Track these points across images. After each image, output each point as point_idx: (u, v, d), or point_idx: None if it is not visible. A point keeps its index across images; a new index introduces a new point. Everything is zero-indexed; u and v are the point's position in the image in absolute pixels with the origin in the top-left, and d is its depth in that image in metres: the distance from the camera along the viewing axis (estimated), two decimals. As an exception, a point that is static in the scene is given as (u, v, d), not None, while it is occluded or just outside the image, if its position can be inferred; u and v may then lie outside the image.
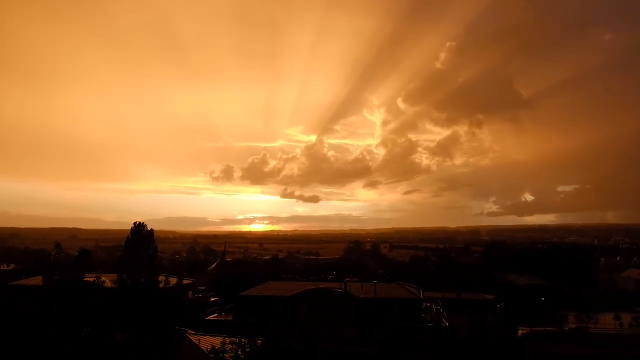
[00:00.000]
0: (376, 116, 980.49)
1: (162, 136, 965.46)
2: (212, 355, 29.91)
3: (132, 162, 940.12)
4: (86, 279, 34.88)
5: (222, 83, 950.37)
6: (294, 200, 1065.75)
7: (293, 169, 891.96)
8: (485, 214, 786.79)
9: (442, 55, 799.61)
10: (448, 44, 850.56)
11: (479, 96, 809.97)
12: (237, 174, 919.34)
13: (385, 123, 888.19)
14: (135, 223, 48.80)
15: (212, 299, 73.37)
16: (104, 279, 33.42)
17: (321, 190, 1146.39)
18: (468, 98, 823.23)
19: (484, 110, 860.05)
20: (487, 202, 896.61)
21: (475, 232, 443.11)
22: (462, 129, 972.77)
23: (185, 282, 61.20)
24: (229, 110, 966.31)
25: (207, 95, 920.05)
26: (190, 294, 70.32)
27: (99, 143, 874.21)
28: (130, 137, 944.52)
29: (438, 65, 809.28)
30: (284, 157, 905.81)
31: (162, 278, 34.40)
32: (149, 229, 47.84)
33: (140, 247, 44.21)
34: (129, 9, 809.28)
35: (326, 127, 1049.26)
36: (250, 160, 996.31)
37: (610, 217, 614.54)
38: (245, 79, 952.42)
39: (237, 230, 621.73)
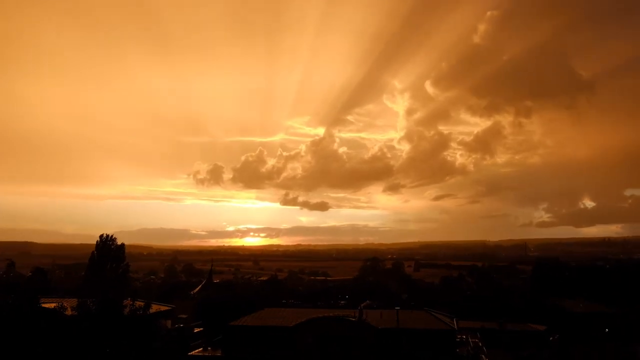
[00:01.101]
0: (399, 103, 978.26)
1: (134, 129, 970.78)
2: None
3: (97, 160, 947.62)
4: (42, 305, 35.07)
5: (208, 63, 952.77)
6: (297, 207, 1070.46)
7: (296, 169, 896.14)
8: (534, 224, 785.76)
9: (481, 27, 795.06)
10: (488, 13, 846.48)
11: (527, 78, 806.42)
12: (227, 175, 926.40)
13: (410, 112, 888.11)
14: (101, 236, 49.16)
15: (196, 330, 73.41)
16: (65, 304, 33.57)
17: (330, 195, 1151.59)
18: (513, 80, 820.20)
19: (533, 95, 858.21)
20: (536, 209, 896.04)
21: (522, 246, 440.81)
22: (506, 119, 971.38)
23: (163, 308, 61.39)
24: (216, 96, 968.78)
25: (190, 78, 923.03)
26: (168, 323, 70.46)
27: (56, 138, 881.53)
28: (95, 129, 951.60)
29: (476, 39, 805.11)
30: (285, 154, 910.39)
31: (138, 304, 34.53)
32: (118, 243, 48.12)
33: (107, 266, 44.63)
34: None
35: (337, 117, 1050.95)
36: (243, 159, 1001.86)
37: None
38: (237, 57, 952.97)
39: (226, 244, 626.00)
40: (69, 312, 33.45)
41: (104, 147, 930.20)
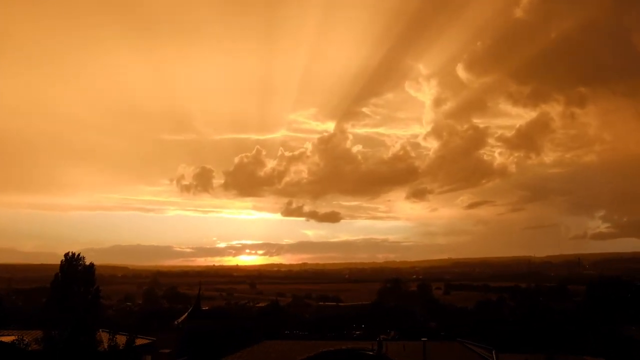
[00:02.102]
0: (424, 92, 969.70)
1: (105, 126, 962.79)
2: None
3: (62, 164, 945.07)
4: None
5: (194, 46, 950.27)
6: (302, 219, 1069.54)
7: (300, 172, 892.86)
8: (589, 235, 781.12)
9: None
10: None
11: (581, 59, 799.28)
12: (218, 180, 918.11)
13: (438, 102, 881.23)
14: (66, 255, 49.45)
15: (181, 367, 73.72)
16: (25, 338, 33.86)
17: (342, 203, 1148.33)
18: (563, 62, 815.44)
19: (588, 80, 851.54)
20: (592, 218, 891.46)
21: (574, 263, 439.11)
22: (555, 109, 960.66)
23: (141, 341, 61.58)
24: (204, 86, 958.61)
25: (173, 64, 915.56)
26: (148, 359, 70.71)
27: (11, 137, 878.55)
28: (59, 127, 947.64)
29: (518, 12, 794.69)
30: (287, 154, 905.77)
31: (105, 336, 34.77)
32: (87, 262, 48.44)
33: (74, 290, 44.82)
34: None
35: (349, 109, 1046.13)
36: (236, 160, 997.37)
37: None
38: (228, 39, 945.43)
39: (217, 264, 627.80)
40: (32, 346, 33.79)
41: (69, 148, 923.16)
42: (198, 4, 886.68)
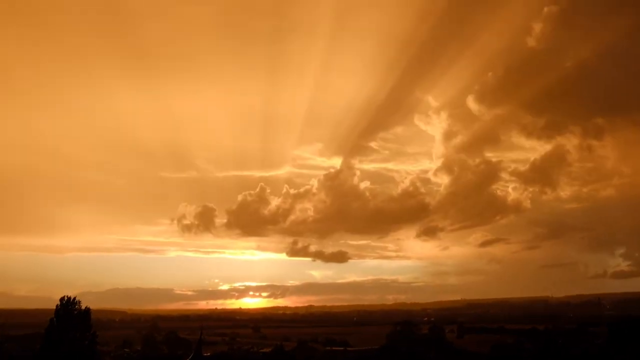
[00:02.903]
0: (434, 125, 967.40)
1: (103, 163, 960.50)
2: None
3: (58, 203, 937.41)
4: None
5: (195, 79, 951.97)
6: (308, 259, 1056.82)
7: (306, 210, 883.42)
8: (609, 274, 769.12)
9: (537, 27, 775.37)
10: (545, 8, 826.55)
11: (598, 89, 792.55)
12: (220, 219, 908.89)
13: (448, 135, 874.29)
14: (62, 299, 49.19)
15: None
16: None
17: (350, 242, 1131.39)
18: (579, 92, 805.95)
19: (606, 111, 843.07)
20: (612, 255, 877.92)
21: (594, 303, 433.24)
22: (571, 142, 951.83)
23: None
24: (206, 121, 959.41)
25: (173, 98, 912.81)
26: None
27: (4, 175, 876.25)
28: (54, 164, 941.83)
29: (530, 41, 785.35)
30: (292, 191, 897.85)
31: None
32: (83, 306, 48.09)
33: (69, 336, 44.44)
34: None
35: (357, 143, 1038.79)
36: (239, 198, 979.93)
37: None
38: (231, 72, 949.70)
39: (219, 307, 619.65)
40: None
41: (65, 187, 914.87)
42: (199, 38, 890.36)
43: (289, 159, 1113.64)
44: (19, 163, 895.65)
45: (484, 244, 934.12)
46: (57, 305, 58.87)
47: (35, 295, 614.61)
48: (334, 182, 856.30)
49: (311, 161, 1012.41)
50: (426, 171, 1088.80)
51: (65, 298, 61.28)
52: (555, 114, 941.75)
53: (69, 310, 56.17)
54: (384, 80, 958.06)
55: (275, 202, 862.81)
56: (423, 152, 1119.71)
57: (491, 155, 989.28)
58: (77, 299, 62.96)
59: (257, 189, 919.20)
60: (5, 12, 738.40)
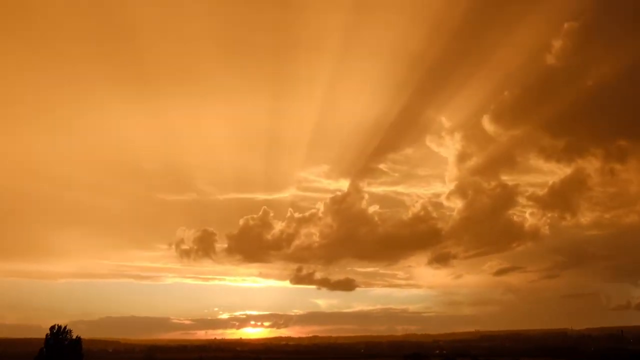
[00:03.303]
0: (447, 146, 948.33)
1: (96, 183, 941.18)
2: None
3: (48, 227, 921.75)
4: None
5: (195, 97, 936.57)
6: (313, 286, 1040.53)
7: (311, 235, 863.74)
8: (633, 305, 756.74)
9: (557, 44, 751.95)
10: (566, 25, 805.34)
11: (621, 109, 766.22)
12: (221, 244, 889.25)
13: (462, 157, 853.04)
14: (52, 328, 47.90)
15: None
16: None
17: (357, 269, 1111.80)
18: (601, 113, 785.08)
19: (629, 132, 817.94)
20: (635, 285, 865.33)
21: (617, 336, 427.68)
22: (592, 165, 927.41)
23: None
24: (206, 140, 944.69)
25: (172, 116, 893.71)
26: None
27: None
28: (45, 186, 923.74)
29: (550, 59, 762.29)
30: (297, 215, 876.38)
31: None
32: (74, 336, 46.65)
33: (59, 367, 42.93)
34: None
35: (364, 165, 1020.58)
36: (241, 222, 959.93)
37: None
38: (233, 90, 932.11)
39: (219, 337, 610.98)
40: None
41: (56, 209, 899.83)
42: (200, 53, 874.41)
43: (293, 181, 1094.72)
44: (6, 184, 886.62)
45: (500, 272, 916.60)
46: (46, 335, 57.37)
47: (24, 323, 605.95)
48: (341, 205, 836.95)
49: (317, 184, 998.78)
50: (438, 195, 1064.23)
51: (56, 327, 59.81)
52: (576, 136, 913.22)
53: (59, 339, 54.75)
54: (394, 99, 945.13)
55: (278, 226, 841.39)
56: (435, 175, 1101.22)
57: (507, 178, 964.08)
58: (68, 327, 61.49)
59: (260, 213, 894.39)
60: (4, 38, 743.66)
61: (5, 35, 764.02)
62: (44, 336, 57.49)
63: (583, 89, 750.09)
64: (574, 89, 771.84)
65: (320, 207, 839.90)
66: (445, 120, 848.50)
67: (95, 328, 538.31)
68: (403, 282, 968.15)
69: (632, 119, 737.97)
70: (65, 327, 56.92)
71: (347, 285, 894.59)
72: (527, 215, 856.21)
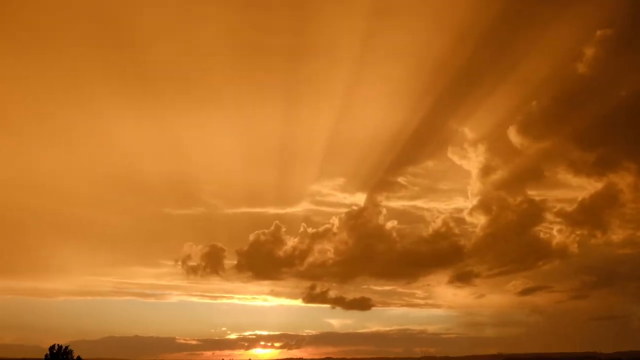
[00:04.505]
0: (470, 159, 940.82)
1: (98, 197, 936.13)
2: None
3: (48, 242, 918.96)
4: None
5: (203, 105, 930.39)
6: (327, 305, 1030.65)
7: (326, 251, 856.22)
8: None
9: (588, 52, 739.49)
10: (599, 32, 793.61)
11: None
12: (230, 260, 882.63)
13: (486, 170, 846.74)
14: (51, 348, 47.33)
15: None
16: None
17: (374, 288, 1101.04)
18: (636, 124, 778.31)
19: None
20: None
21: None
22: (624, 179, 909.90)
23: None
24: (214, 151, 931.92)
25: (178, 125, 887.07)
26: None
27: None
28: (43, 198, 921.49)
29: (581, 68, 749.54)
30: (311, 231, 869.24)
31: None
32: (76, 356, 46.02)
33: (59, 390, 42.17)
34: None
35: (383, 178, 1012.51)
36: (251, 238, 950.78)
37: None
38: (243, 98, 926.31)
39: (227, 358, 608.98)
40: None
41: (56, 224, 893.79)
42: (208, 59, 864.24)
43: (306, 195, 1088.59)
44: (4, 198, 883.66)
45: (525, 292, 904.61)
46: (46, 355, 56.68)
47: (23, 343, 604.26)
48: (357, 220, 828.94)
49: (332, 197, 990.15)
50: (460, 210, 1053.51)
51: (56, 347, 59.16)
52: (608, 149, 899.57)
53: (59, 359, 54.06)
54: (414, 109, 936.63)
55: (291, 242, 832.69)
56: (457, 189, 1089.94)
57: (534, 193, 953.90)
58: (69, 347, 60.73)
59: (272, 228, 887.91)
60: (1, 45, 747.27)
61: (4, 47, 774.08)
62: (43, 356, 56.90)
63: (616, 99, 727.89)
64: (606, 99, 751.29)
65: (335, 222, 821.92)
66: (468, 131, 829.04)
67: (96, 348, 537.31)
68: (422, 301, 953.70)
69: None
70: (66, 347, 56.31)
71: (362, 304, 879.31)
72: (555, 232, 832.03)
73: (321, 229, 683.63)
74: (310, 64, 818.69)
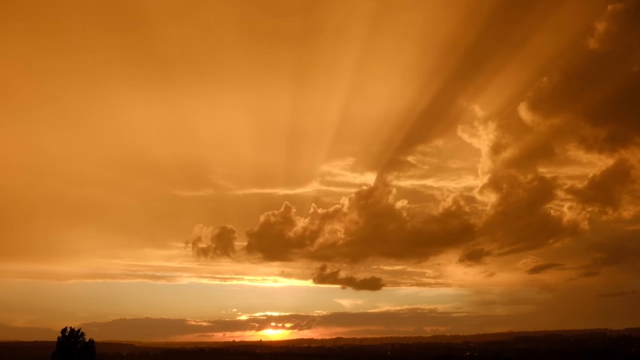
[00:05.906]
0: (481, 137, 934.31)
1: (108, 179, 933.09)
2: None
3: (58, 225, 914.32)
4: None
5: (212, 87, 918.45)
6: (337, 286, 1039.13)
7: (336, 231, 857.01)
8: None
9: (600, 27, 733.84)
10: (610, 6, 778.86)
11: None
12: (240, 242, 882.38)
13: (496, 148, 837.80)
14: (63, 330, 49.63)
15: None
16: None
17: (384, 268, 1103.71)
18: None
19: None
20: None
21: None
22: (636, 155, 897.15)
23: None
24: (224, 133, 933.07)
25: (188, 107, 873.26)
26: None
27: (0, 195, 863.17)
28: (56, 183, 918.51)
29: (592, 43, 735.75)
30: (321, 211, 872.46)
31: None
32: (87, 339, 48.43)
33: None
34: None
35: (392, 158, 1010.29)
36: (262, 219, 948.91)
37: None
38: (253, 79, 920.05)
39: (237, 339, 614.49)
40: None
41: (67, 207, 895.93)
42: (217, 40, 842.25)
43: (316, 175, 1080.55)
44: (16, 181, 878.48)
45: (535, 270, 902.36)
46: (58, 338, 58.97)
47: (35, 326, 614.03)
48: (367, 200, 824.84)
49: (342, 177, 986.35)
50: (471, 188, 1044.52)
51: (68, 329, 61.42)
52: (619, 125, 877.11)
53: (71, 343, 56.25)
54: (423, 88, 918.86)
55: (301, 223, 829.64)
56: (467, 168, 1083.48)
57: (545, 170, 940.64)
58: (80, 330, 63.12)
59: (282, 209, 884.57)
60: (10, 26, 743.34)
61: (9, 22, 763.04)
62: (55, 339, 58.99)
63: (627, 75, 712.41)
64: (617, 74, 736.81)
65: (345, 202, 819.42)
66: (478, 109, 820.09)
67: (108, 330, 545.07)
68: (432, 280, 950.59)
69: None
70: (77, 330, 58.39)
71: (373, 284, 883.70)
72: (566, 210, 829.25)
73: (331, 209, 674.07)
74: (319, 45, 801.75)
